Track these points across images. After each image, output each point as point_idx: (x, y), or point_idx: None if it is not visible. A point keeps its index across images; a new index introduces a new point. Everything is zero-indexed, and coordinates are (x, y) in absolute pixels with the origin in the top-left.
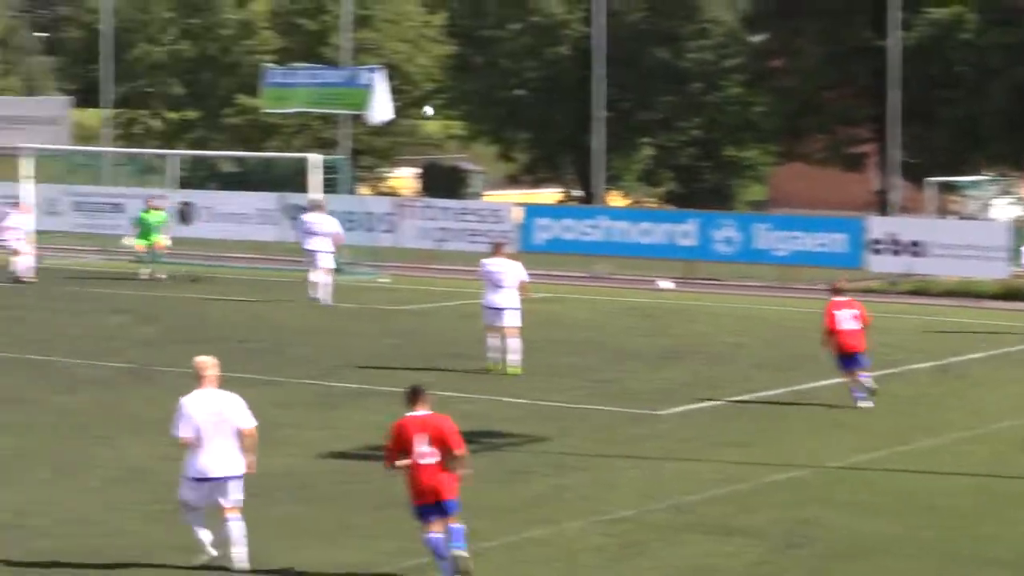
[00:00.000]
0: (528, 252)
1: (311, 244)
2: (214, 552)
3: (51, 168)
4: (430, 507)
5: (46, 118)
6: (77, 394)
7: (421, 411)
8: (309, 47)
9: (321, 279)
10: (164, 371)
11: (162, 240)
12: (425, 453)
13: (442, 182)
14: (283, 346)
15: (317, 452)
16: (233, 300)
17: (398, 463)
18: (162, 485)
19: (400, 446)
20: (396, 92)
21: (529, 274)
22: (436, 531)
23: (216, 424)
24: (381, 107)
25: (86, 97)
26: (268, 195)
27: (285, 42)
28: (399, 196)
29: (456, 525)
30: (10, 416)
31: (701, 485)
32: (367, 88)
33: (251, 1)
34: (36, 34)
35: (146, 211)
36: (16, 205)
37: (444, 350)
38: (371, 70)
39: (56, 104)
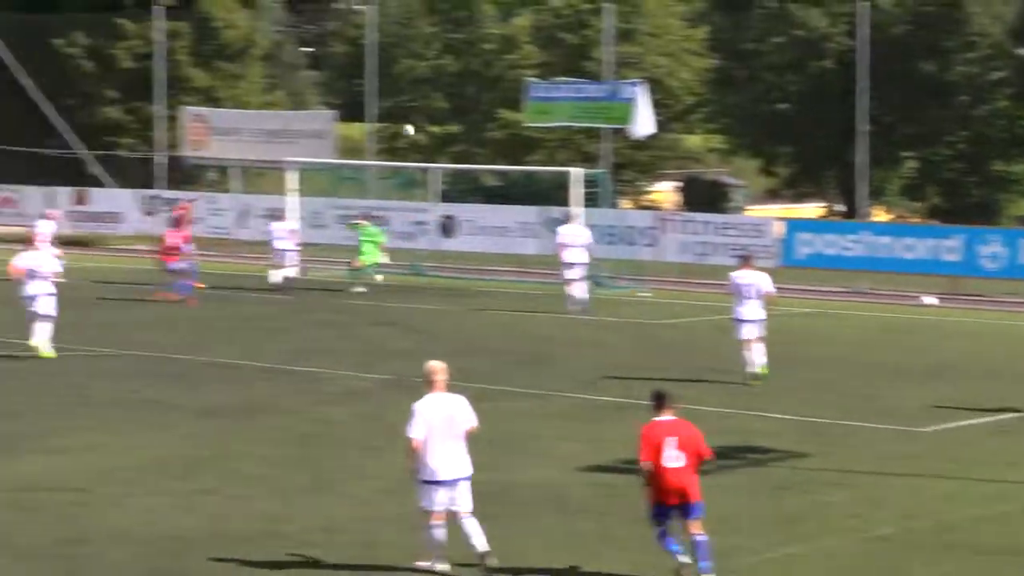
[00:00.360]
0: (789, 267)
1: (566, 256)
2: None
3: (316, 181)
4: (671, 507)
5: (311, 132)
6: (338, 405)
7: (667, 416)
8: (571, 61)
9: (576, 291)
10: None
11: (374, 257)
12: (673, 456)
13: (703, 196)
14: (544, 358)
15: (577, 464)
16: (494, 312)
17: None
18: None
19: (649, 450)
20: (658, 106)
21: (790, 289)
22: (669, 531)
23: (447, 427)
24: (643, 121)
25: (351, 111)
26: (530, 208)
27: (547, 56)
28: (660, 210)
29: (701, 536)
30: (273, 426)
31: (966, 504)
32: (629, 102)
33: (514, 16)
34: (302, 49)
35: (359, 225)
36: (280, 218)
37: (704, 364)
38: (633, 84)
39: (321, 118)
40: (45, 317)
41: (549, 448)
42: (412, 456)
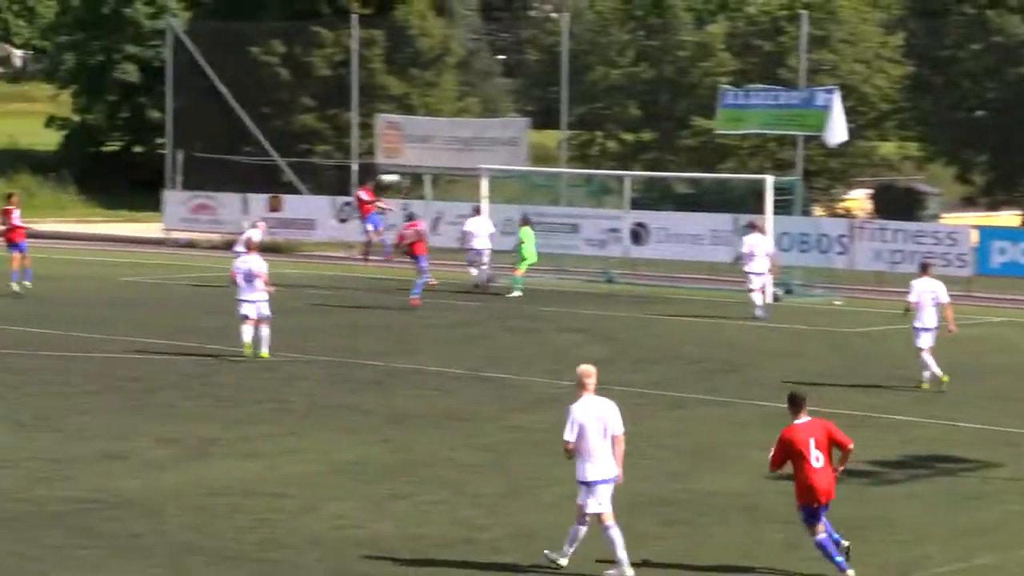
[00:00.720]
0: (984, 275)
1: (750, 266)
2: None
3: (508, 189)
4: (821, 508)
5: (504, 139)
6: (531, 412)
7: (804, 418)
8: (765, 69)
9: (758, 299)
10: (616, 390)
11: (533, 259)
12: (816, 456)
13: (897, 204)
14: (734, 366)
15: (765, 473)
16: (686, 320)
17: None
18: (616, 502)
19: (788, 454)
20: (852, 113)
21: (983, 298)
22: (822, 532)
23: (598, 429)
24: (837, 128)
25: (543, 119)
26: (722, 216)
27: (741, 64)
28: (853, 218)
29: (835, 535)
30: (466, 432)
31: None
32: (824, 109)
33: (709, 23)
34: (496, 57)
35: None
36: (477, 212)
37: (894, 373)
38: (828, 91)
39: (514, 126)
40: (263, 319)
41: (740, 456)
42: (568, 456)
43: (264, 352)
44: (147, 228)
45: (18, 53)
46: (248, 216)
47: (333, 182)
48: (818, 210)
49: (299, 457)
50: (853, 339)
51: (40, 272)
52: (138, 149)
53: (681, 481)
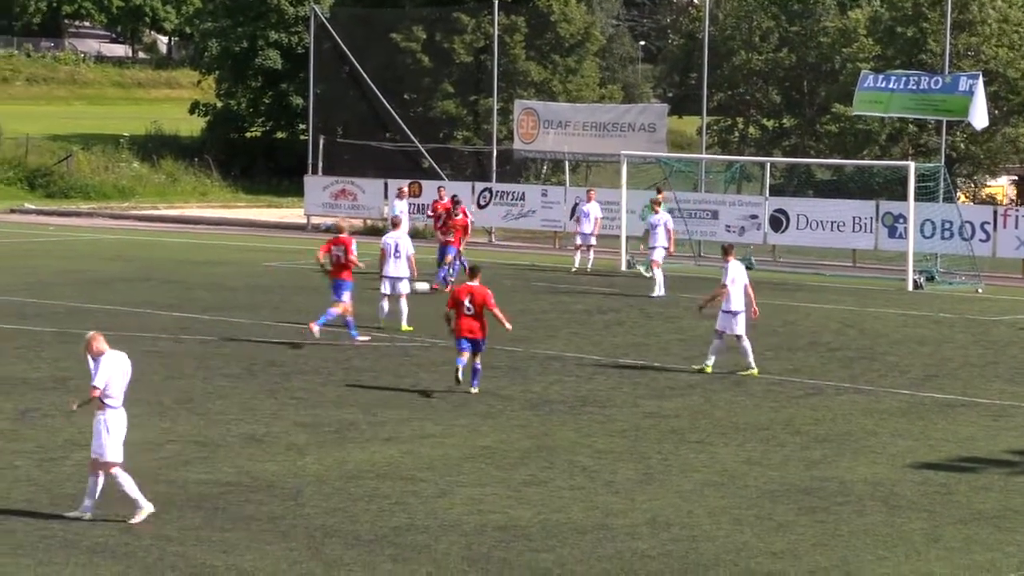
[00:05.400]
0: None
1: None
2: None
3: (648, 175)
4: (465, 340)
5: (643, 125)
6: (667, 398)
7: (475, 282)
8: (907, 54)
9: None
10: (754, 377)
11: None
12: (469, 308)
13: None
14: (874, 354)
15: (905, 462)
16: (825, 307)
17: None
18: (752, 489)
19: (455, 303)
20: (996, 99)
21: None
22: (463, 357)
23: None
24: (979, 114)
25: (684, 105)
26: (863, 203)
27: (883, 49)
28: (997, 205)
29: None
30: (603, 418)
31: None
32: (966, 95)
33: (851, 8)
34: (637, 42)
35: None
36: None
37: None
38: (971, 77)
39: (653, 112)
40: (404, 295)
41: (880, 445)
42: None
43: (406, 326)
44: (289, 213)
45: (164, 40)
46: (389, 202)
47: (471, 168)
48: (961, 197)
49: (436, 442)
50: (995, 327)
51: (183, 257)
52: (280, 135)
53: (818, 469)
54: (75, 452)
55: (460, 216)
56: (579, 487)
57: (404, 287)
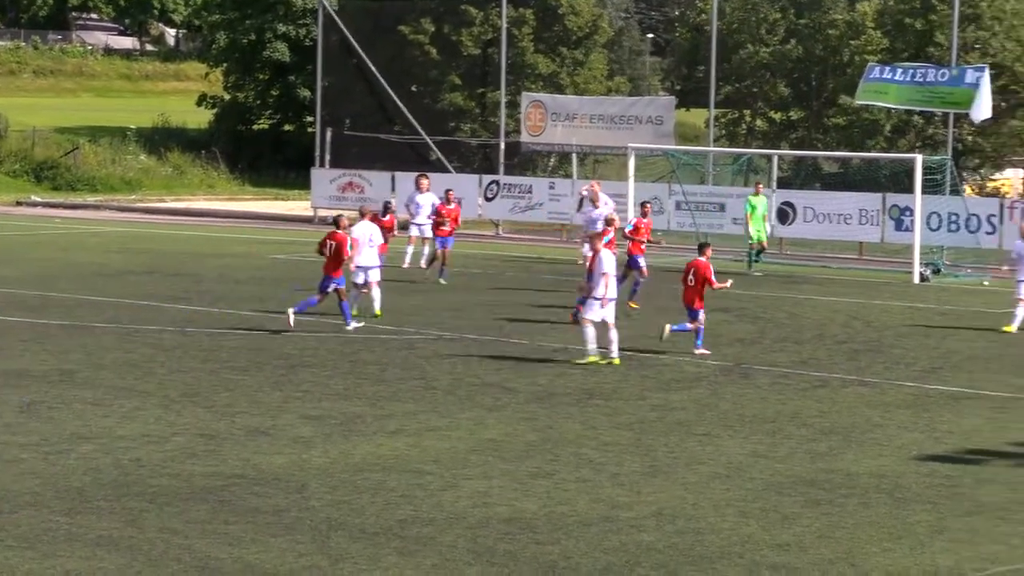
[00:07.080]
0: None
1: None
2: None
3: (655, 167)
4: (331, 279)
5: (650, 118)
6: (674, 391)
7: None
8: (916, 46)
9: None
10: (760, 369)
11: (760, 232)
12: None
13: None
14: (880, 347)
15: (910, 454)
16: (832, 300)
17: None
18: (757, 482)
19: (324, 246)
20: (1004, 92)
21: None
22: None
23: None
24: (983, 106)
25: (691, 97)
26: (870, 196)
27: (892, 42)
28: (1004, 197)
29: None
30: (608, 411)
31: None
32: (972, 87)
33: (860, 1)
34: (645, 35)
35: (755, 194)
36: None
37: None
38: (978, 69)
39: (660, 104)
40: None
41: (886, 437)
42: None
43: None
44: (296, 206)
45: (171, 32)
46: (397, 195)
47: (479, 160)
48: (968, 190)
49: (442, 434)
50: (1002, 320)
51: (190, 249)
52: (287, 128)
53: (824, 461)
54: (80, 445)
55: (454, 206)
56: (585, 479)
57: (375, 275)
